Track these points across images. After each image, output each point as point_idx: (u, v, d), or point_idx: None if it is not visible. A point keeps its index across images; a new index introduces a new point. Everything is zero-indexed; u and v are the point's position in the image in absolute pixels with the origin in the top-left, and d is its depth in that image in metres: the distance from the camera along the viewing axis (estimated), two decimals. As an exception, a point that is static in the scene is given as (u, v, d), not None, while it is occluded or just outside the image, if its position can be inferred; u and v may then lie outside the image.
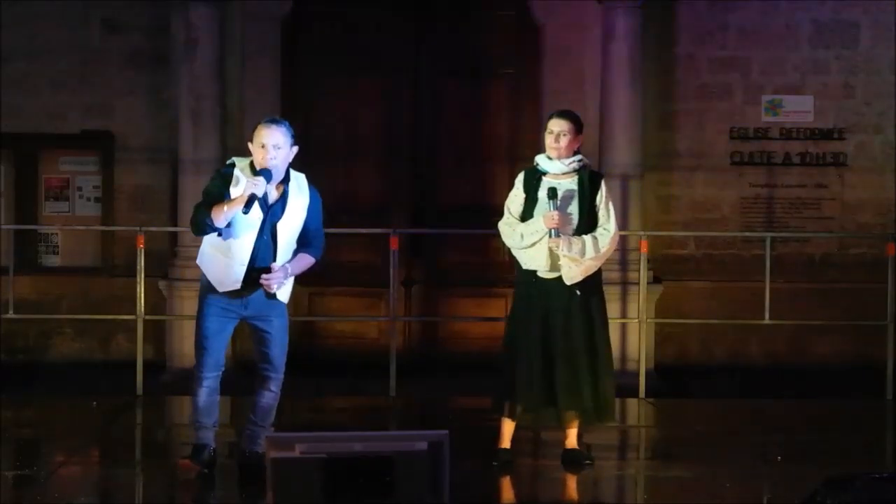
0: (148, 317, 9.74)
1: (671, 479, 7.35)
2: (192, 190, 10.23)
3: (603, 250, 7.09)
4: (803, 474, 6.89)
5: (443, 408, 9.58)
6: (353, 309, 11.09)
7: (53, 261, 11.24)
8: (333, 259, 11.22)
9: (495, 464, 7.31)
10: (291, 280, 6.95)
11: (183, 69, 10.59)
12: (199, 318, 6.85)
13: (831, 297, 11.02)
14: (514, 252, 7.23)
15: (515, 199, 7.21)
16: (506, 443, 7.36)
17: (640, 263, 9.93)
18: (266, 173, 6.55)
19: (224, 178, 6.68)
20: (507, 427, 7.35)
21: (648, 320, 10.09)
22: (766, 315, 9.97)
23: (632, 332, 10.25)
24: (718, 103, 11.28)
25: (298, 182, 6.78)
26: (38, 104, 11.03)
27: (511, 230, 7.18)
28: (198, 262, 6.90)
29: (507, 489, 7.26)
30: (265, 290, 6.78)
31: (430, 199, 11.22)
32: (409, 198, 11.22)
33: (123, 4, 11.03)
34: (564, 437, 7.45)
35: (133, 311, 9.68)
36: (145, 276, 9.58)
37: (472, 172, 11.14)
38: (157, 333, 10.59)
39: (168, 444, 8.30)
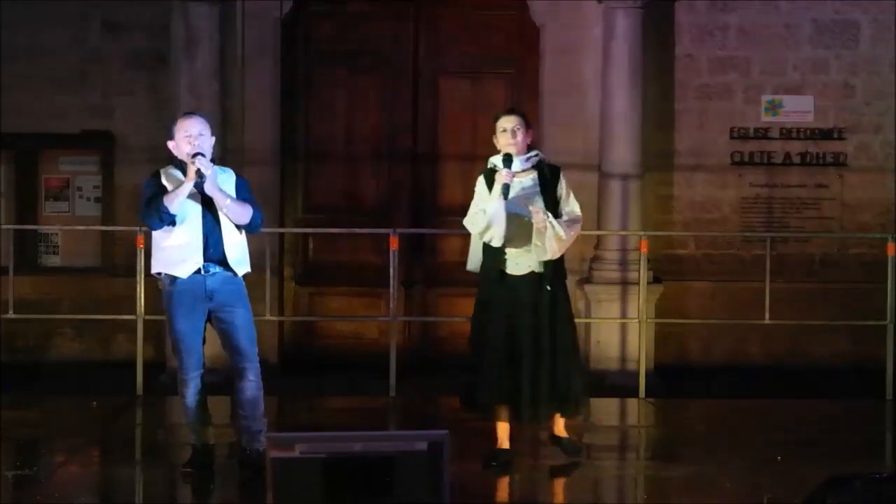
0: (148, 317, 9.73)
1: (671, 479, 7.35)
2: (192, 190, 10.26)
3: (572, 233, 7.19)
4: (803, 474, 6.89)
5: (443, 408, 9.58)
6: (353, 309, 11.09)
7: (53, 261, 11.23)
8: (333, 259, 11.25)
9: (494, 464, 7.31)
10: (246, 258, 7.06)
11: (183, 69, 10.58)
12: (170, 322, 6.96)
13: (831, 297, 11.01)
14: (486, 235, 7.19)
15: (479, 196, 7.28)
16: (504, 443, 7.37)
17: (640, 263, 9.93)
18: (203, 190, 6.82)
19: (156, 181, 6.90)
20: (502, 427, 7.36)
21: (648, 320, 10.09)
22: (766, 315, 9.97)
23: (632, 332, 10.25)
24: (718, 103, 11.28)
25: (223, 169, 7.08)
26: (38, 104, 11.02)
27: (474, 214, 7.24)
28: (155, 270, 7.01)
29: (506, 489, 7.26)
30: (222, 266, 6.90)
31: (430, 199, 11.22)
32: (409, 198, 11.23)
33: (123, 4, 11.02)
34: (552, 425, 7.50)
35: (133, 311, 9.68)
36: (145, 276, 9.57)
37: (472, 172, 11.09)
38: (157, 333, 10.56)
39: (168, 444, 8.29)
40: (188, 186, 6.76)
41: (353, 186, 11.24)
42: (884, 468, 7.63)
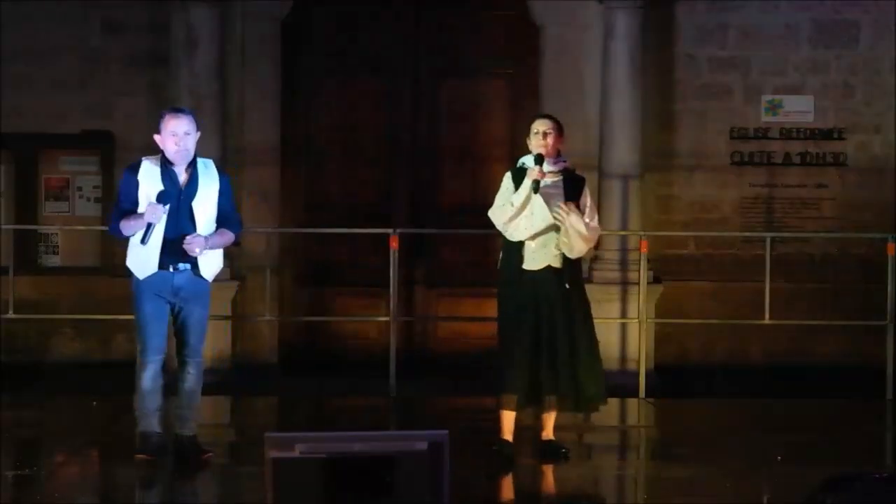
0: (148, 317, 9.71)
1: (671, 479, 7.35)
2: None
3: (589, 234, 7.30)
4: (803, 474, 6.88)
5: (443, 408, 9.58)
6: (353, 309, 11.08)
7: (53, 261, 11.23)
8: (333, 259, 11.25)
9: (496, 450, 7.32)
10: (220, 261, 7.33)
11: (183, 69, 10.58)
12: (136, 306, 7.22)
13: (831, 297, 11.01)
14: (510, 227, 7.29)
15: (506, 191, 7.40)
16: (508, 434, 7.39)
17: (640, 263, 9.94)
18: (167, 197, 7.02)
19: (133, 178, 7.14)
20: (508, 418, 7.40)
21: (648, 320, 10.09)
22: (766, 315, 9.97)
23: (632, 332, 10.25)
24: (718, 103, 11.28)
25: (206, 165, 7.26)
26: (38, 104, 11.02)
27: (501, 207, 7.34)
28: (127, 263, 7.27)
29: (505, 489, 7.26)
30: (192, 269, 7.15)
31: (430, 199, 11.22)
32: (409, 198, 11.22)
33: (123, 4, 11.02)
34: (541, 429, 7.52)
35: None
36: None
37: (472, 172, 11.15)
38: (157, 333, 10.57)
39: (168, 444, 8.28)
40: (140, 227, 7.00)
41: (353, 186, 11.23)
42: (884, 468, 7.62)
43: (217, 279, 10.26)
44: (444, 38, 11.24)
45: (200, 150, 11.00)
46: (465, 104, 11.23)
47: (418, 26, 11.23)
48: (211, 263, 7.24)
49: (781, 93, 11.30)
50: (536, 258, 7.31)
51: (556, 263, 7.32)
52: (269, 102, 10.97)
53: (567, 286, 7.29)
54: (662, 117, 11.19)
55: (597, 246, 10.68)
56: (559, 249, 7.31)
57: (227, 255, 10.50)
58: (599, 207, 10.57)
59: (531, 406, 7.49)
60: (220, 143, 10.58)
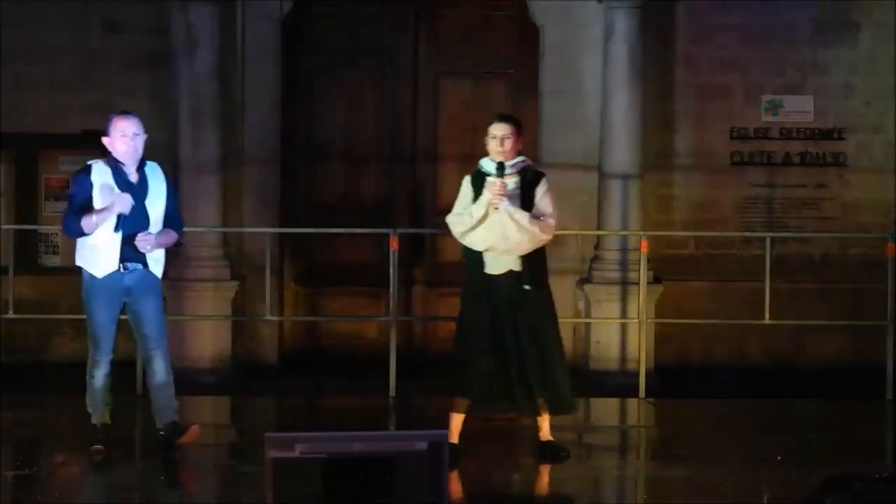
0: (148, 317, 9.71)
1: (671, 479, 7.36)
2: (191, 190, 10.26)
3: (537, 228, 7.24)
4: (803, 474, 6.90)
5: (443, 408, 9.56)
6: (353, 309, 11.09)
7: (53, 261, 11.23)
8: (333, 259, 11.24)
9: None
10: (162, 258, 7.50)
11: (183, 69, 10.58)
12: (89, 312, 7.44)
13: (831, 297, 11.01)
14: (467, 238, 7.35)
15: (464, 197, 7.46)
16: (454, 437, 7.40)
17: (640, 263, 9.93)
18: (134, 191, 7.26)
19: (86, 178, 7.34)
20: (456, 420, 7.43)
21: (648, 320, 10.08)
22: (766, 315, 9.97)
23: (632, 332, 10.25)
24: (718, 103, 11.27)
25: (152, 167, 7.52)
26: (38, 104, 11.01)
27: (460, 218, 7.39)
28: (77, 263, 7.44)
29: (505, 489, 7.26)
30: (143, 267, 7.36)
31: (430, 199, 11.22)
32: (409, 198, 11.22)
33: (123, 4, 11.01)
34: (538, 430, 7.52)
35: (133, 311, 9.67)
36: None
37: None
38: (157, 333, 10.56)
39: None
40: (105, 219, 7.18)
41: (353, 186, 11.23)
42: (884, 468, 7.63)
43: (217, 279, 10.43)
44: (444, 38, 11.24)
45: (200, 150, 11.04)
46: (465, 104, 11.23)
47: (418, 26, 11.23)
48: (159, 260, 7.46)
49: (781, 93, 11.30)
50: (498, 263, 7.33)
51: (517, 267, 7.33)
52: (268, 102, 10.96)
53: (527, 287, 7.27)
54: (662, 117, 11.18)
55: (596, 245, 10.71)
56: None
57: (227, 256, 10.60)
58: (599, 207, 10.61)
59: (503, 408, 7.52)
60: (221, 143, 10.59)
